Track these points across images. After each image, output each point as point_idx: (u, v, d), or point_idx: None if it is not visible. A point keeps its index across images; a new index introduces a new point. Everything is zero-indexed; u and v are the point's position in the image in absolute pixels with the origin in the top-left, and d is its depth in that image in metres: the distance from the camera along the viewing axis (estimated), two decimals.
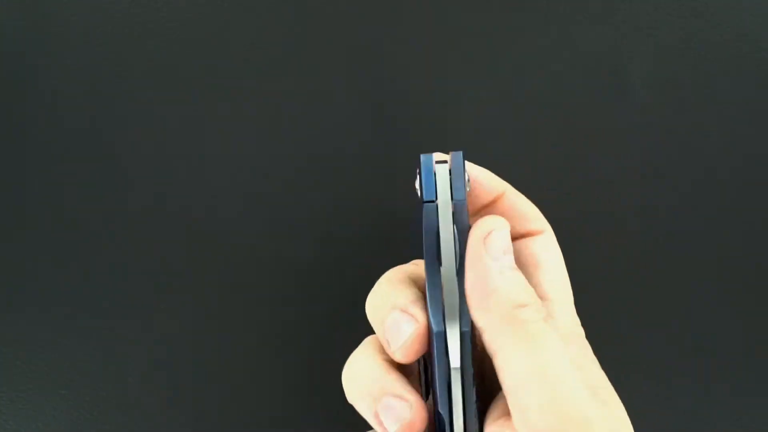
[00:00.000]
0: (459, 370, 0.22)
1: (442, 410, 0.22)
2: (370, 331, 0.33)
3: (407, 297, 0.23)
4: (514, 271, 0.23)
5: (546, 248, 0.26)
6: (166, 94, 0.35)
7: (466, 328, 0.22)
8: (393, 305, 0.23)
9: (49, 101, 0.35)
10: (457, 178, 0.24)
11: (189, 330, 0.33)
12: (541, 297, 0.25)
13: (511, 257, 0.23)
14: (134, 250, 0.34)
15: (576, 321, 0.26)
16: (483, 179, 0.26)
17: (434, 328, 0.22)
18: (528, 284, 0.23)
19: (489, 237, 0.23)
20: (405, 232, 0.34)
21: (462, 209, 0.24)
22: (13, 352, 0.33)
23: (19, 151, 0.34)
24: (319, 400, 0.33)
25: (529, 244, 0.26)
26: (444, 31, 0.35)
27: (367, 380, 0.23)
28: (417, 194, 0.24)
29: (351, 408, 0.33)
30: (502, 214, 0.25)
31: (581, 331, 0.25)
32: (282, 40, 0.35)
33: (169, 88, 0.35)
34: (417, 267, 0.26)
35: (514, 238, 0.26)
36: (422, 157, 0.25)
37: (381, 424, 0.23)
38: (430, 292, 0.23)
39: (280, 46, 0.35)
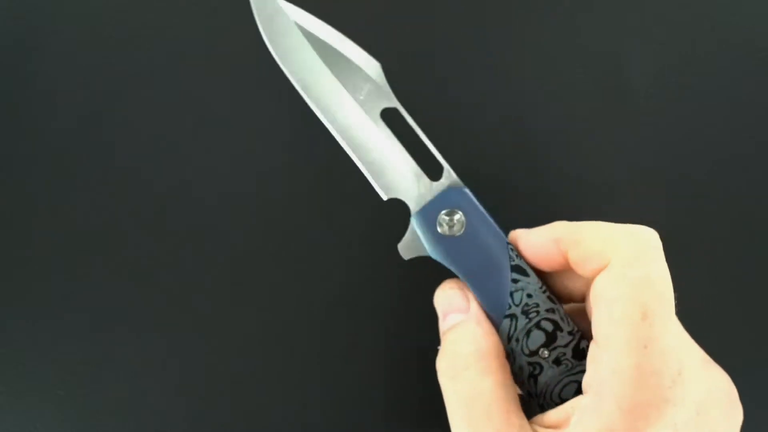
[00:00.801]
0: None
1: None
2: (371, 332, 0.33)
3: None
4: (446, 334, 0.26)
5: (604, 285, 0.23)
6: (166, 94, 0.35)
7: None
8: None
9: (47, 101, 0.35)
10: (423, 237, 0.27)
11: (188, 330, 0.33)
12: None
13: (454, 316, 0.26)
14: (133, 250, 0.34)
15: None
16: (538, 259, 0.26)
17: None
18: (458, 344, 0.25)
19: (435, 302, 0.27)
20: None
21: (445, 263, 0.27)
22: (10, 353, 0.33)
23: (17, 151, 0.34)
24: (318, 400, 0.33)
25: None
26: (443, 29, 0.35)
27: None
28: None
29: (351, 410, 0.33)
30: (576, 262, 0.25)
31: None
32: None
33: (169, 88, 0.35)
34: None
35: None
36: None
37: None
38: None
39: None
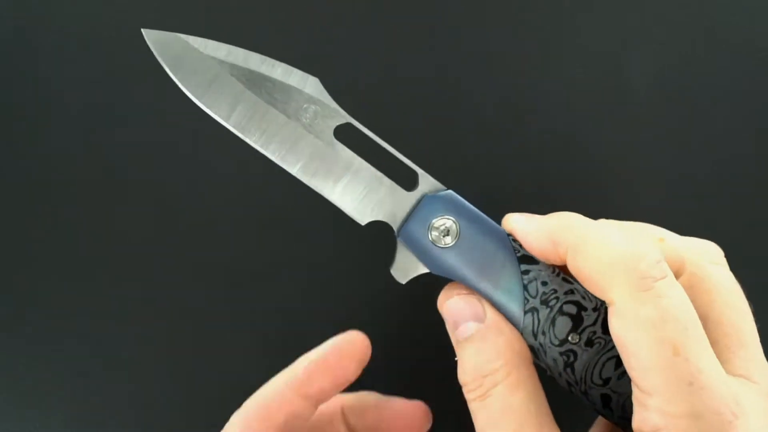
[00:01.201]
0: None
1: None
2: (371, 332, 0.33)
3: None
4: (463, 346, 0.23)
5: (620, 329, 0.21)
6: (166, 94, 0.35)
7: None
8: None
9: (47, 101, 0.35)
10: (416, 253, 0.25)
11: (188, 330, 0.33)
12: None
13: (469, 325, 0.23)
14: (133, 250, 0.34)
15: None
16: (530, 241, 0.24)
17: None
18: (482, 358, 0.23)
19: (441, 310, 0.24)
20: None
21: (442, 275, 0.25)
22: (10, 353, 0.33)
23: (17, 151, 0.34)
24: None
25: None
26: (443, 29, 0.35)
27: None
28: None
29: None
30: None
31: None
32: (282, 42, 0.35)
33: (169, 88, 0.35)
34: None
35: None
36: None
37: None
38: None
39: (281, 49, 0.35)
